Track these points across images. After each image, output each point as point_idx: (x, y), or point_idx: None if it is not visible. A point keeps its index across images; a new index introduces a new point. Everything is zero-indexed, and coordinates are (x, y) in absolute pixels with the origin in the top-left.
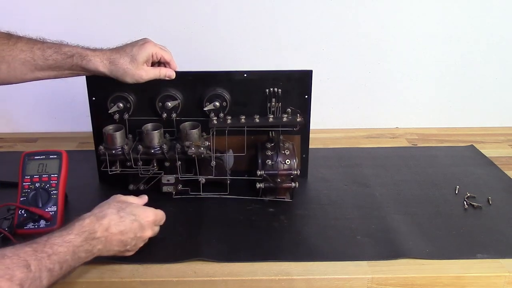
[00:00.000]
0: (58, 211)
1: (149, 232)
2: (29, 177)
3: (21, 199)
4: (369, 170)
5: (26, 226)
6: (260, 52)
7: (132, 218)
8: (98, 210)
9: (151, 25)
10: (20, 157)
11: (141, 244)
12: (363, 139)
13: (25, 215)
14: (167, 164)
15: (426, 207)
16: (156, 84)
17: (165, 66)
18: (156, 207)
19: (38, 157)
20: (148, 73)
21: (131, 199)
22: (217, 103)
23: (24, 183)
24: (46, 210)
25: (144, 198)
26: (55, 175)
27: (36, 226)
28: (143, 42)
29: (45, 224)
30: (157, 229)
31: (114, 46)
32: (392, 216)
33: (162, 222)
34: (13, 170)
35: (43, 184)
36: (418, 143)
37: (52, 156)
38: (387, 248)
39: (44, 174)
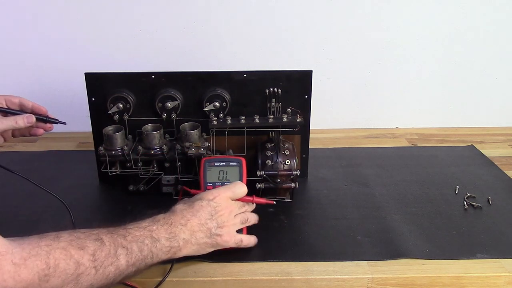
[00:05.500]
0: None
1: (224, 205)
2: (211, 184)
3: None
4: (369, 170)
5: None
6: (260, 52)
7: (198, 201)
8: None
9: (151, 25)
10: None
11: (226, 218)
12: (363, 139)
13: None
14: (167, 164)
15: (426, 207)
16: (156, 85)
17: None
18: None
19: (218, 164)
20: (4, 122)
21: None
22: (217, 104)
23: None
24: None
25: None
26: None
27: None
28: None
29: None
30: (238, 204)
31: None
32: (392, 216)
33: (241, 195)
34: (13, 170)
35: None
36: (418, 143)
37: (232, 164)
38: (387, 248)
39: (226, 182)
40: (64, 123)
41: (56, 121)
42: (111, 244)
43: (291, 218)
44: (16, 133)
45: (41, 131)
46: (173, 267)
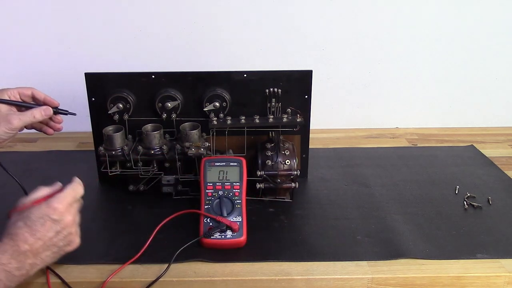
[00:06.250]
0: (243, 221)
1: (68, 218)
2: (211, 184)
3: (206, 207)
4: (369, 170)
5: (213, 236)
6: (260, 52)
7: (40, 220)
8: (9, 229)
9: (151, 25)
10: None
11: (73, 229)
12: (363, 139)
13: (210, 224)
14: (167, 164)
15: (426, 207)
16: (156, 85)
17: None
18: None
19: (218, 164)
20: (22, 119)
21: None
22: (217, 104)
23: (207, 190)
24: (232, 220)
25: (56, 186)
26: (238, 184)
27: (223, 237)
28: None
29: (231, 235)
30: (78, 205)
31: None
32: (392, 216)
33: (80, 193)
34: (13, 170)
35: (226, 192)
36: (418, 143)
37: (232, 164)
38: (387, 248)
39: (226, 182)
40: (74, 114)
41: (66, 112)
42: None
43: (291, 218)
44: (33, 126)
45: (50, 131)
46: (169, 267)
